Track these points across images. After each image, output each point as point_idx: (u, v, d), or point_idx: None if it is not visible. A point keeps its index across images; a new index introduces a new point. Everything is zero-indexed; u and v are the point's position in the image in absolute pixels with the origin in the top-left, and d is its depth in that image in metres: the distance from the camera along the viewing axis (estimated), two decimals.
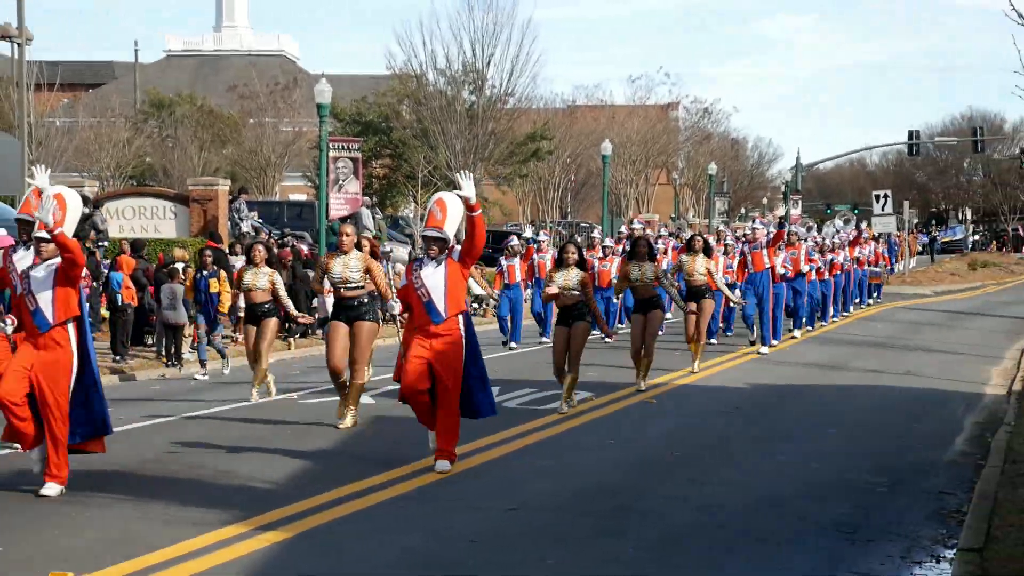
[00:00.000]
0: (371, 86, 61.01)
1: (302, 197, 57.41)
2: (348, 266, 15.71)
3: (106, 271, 24.92)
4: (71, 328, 12.09)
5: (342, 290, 15.79)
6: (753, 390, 20.51)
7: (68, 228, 12.01)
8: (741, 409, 18.41)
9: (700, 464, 14.10)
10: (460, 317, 13.09)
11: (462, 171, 12.78)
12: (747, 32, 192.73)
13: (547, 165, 66.31)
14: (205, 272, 22.39)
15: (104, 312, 24.84)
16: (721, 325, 29.02)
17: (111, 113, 59.44)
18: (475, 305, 36.21)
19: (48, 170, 12.67)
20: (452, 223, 13.07)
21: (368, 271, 15.77)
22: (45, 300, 12.00)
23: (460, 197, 12.93)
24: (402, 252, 36.61)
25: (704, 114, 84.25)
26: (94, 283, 23.59)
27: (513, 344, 26.78)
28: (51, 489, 11.88)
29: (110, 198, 35.57)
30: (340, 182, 37.52)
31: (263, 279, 18.58)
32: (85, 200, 30.43)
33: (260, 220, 38.22)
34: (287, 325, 25.42)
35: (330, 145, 36.41)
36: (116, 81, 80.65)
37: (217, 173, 50.17)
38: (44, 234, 11.91)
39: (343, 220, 38.02)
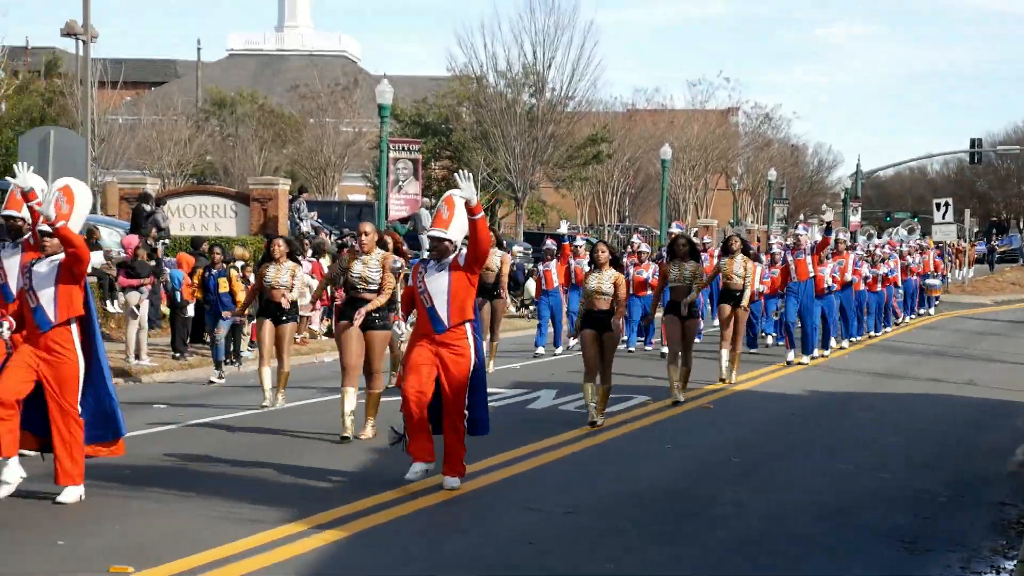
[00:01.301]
0: (431, 87, 61.20)
1: (361, 198, 57.57)
2: (368, 266, 14.96)
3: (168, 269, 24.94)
4: (74, 328, 11.42)
5: (360, 291, 14.94)
6: (812, 397, 20.38)
7: (75, 222, 11.36)
8: (800, 416, 18.31)
9: (761, 471, 14.04)
10: (467, 327, 12.27)
11: (460, 171, 12.17)
12: (808, 39, 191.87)
13: (606, 169, 66.19)
14: (214, 271, 21.90)
15: (164, 309, 24.94)
16: (773, 334, 28.54)
17: (173, 111, 59.87)
18: (532, 308, 36.19)
19: (31, 168, 11.83)
20: (459, 224, 12.27)
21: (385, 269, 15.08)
22: (47, 297, 11.29)
23: (460, 199, 12.06)
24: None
25: (765, 120, 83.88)
26: (156, 280, 23.63)
27: (557, 351, 26.33)
28: (68, 495, 11.29)
29: (172, 196, 35.79)
30: (400, 183, 37.59)
31: (285, 275, 17.79)
32: (147, 197, 30.74)
33: (319, 220, 38.33)
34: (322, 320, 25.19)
35: (390, 146, 36.50)
36: (178, 79, 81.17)
37: (277, 172, 50.42)
38: (47, 227, 11.25)
39: (402, 221, 38.27)
